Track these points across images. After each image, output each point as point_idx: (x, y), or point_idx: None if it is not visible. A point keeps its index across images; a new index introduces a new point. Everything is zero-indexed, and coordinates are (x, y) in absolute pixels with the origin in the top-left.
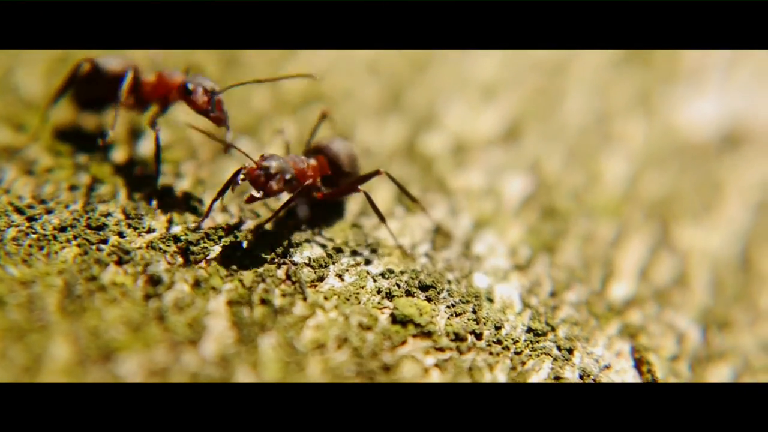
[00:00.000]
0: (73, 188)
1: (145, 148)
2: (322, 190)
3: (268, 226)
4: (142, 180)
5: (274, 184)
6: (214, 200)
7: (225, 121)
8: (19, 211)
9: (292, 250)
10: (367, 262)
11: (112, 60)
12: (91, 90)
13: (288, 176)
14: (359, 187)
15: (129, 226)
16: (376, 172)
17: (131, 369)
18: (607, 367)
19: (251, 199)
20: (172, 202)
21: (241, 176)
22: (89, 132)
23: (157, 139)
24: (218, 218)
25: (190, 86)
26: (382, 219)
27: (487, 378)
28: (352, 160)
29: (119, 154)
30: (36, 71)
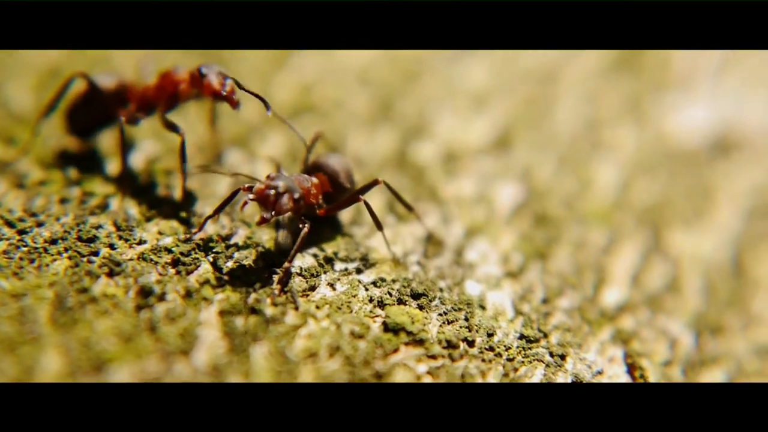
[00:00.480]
0: (63, 201)
1: (135, 159)
2: (324, 206)
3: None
4: (133, 192)
5: (284, 204)
6: (209, 217)
7: (239, 104)
8: (10, 224)
9: (283, 259)
10: (359, 271)
11: (106, 77)
12: (90, 112)
13: (296, 195)
14: (360, 196)
15: (120, 237)
16: (375, 182)
17: (123, 380)
18: (600, 372)
19: (262, 221)
20: (163, 213)
21: (251, 196)
22: (79, 145)
23: (182, 144)
24: (209, 229)
25: (204, 70)
26: (380, 228)
27: None
28: (350, 176)
29: (109, 167)
30: (26, 85)
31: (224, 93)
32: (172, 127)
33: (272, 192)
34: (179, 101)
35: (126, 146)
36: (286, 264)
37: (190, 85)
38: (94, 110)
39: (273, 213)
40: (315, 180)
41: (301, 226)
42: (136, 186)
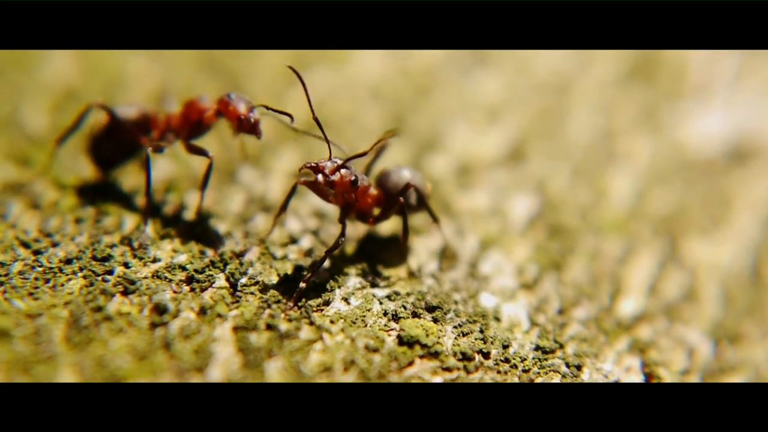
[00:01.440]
0: (78, 221)
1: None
2: (374, 216)
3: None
4: (147, 211)
5: (338, 176)
6: (277, 215)
7: (262, 134)
8: (25, 245)
9: (297, 274)
10: (373, 284)
11: (127, 108)
12: (113, 143)
13: (353, 178)
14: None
15: (134, 256)
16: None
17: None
18: (617, 382)
19: (308, 184)
20: (177, 231)
21: (311, 163)
22: (94, 165)
23: (210, 165)
24: (223, 245)
25: (233, 96)
26: (405, 235)
27: None
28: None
29: (124, 186)
30: (41, 107)
31: (252, 120)
32: (200, 152)
33: (333, 164)
34: (203, 129)
35: (150, 177)
36: (303, 283)
37: (217, 111)
38: (117, 141)
39: (323, 177)
40: (374, 191)
41: (340, 238)
42: (151, 204)
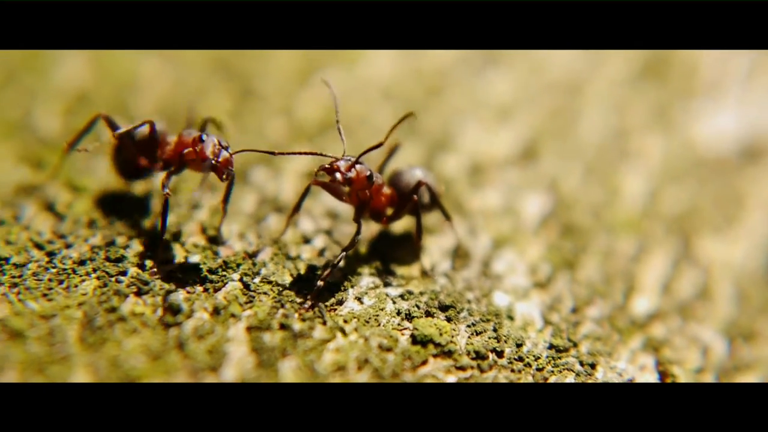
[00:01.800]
0: (92, 223)
1: (159, 178)
2: (387, 215)
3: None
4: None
5: (354, 173)
6: (290, 216)
7: (225, 176)
8: (39, 246)
9: (310, 274)
10: (386, 284)
11: (143, 125)
12: (124, 158)
13: (368, 173)
14: (414, 196)
15: (148, 257)
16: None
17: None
18: (631, 381)
19: (322, 185)
20: (190, 232)
21: (325, 165)
22: (107, 167)
23: (231, 181)
24: (236, 246)
25: (204, 137)
26: (419, 234)
27: None
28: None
29: (137, 188)
30: (54, 110)
31: (211, 163)
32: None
33: (347, 162)
34: (186, 165)
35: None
36: (320, 282)
37: (194, 150)
38: (125, 157)
39: (341, 176)
40: (388, 191)
41: (355, 236)
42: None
